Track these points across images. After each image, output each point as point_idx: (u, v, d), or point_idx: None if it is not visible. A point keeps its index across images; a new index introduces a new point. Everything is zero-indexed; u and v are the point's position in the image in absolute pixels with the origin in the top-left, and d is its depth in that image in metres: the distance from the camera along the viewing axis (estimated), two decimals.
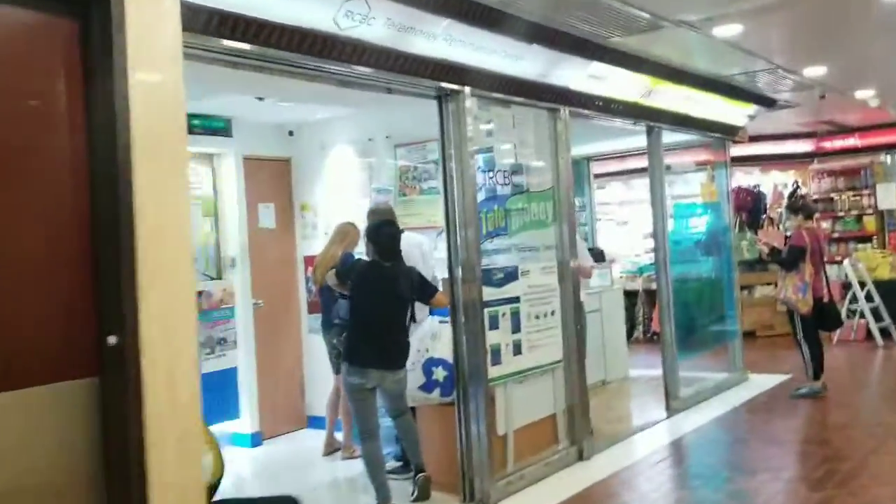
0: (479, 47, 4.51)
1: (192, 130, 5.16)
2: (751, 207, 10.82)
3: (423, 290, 4.67)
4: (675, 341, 6.90)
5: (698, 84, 6.86)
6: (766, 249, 7.18)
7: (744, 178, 12.58)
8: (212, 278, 6.18)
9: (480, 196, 4.86)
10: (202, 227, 6.14)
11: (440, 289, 4.83)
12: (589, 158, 9.01)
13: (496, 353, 4.78)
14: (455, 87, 4.52)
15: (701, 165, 8.64)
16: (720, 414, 6.61)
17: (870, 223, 11.09)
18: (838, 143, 12.45)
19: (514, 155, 5.17)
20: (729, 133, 8.03)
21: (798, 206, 7.22)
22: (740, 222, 10.96)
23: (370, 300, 4.49)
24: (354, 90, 4.26)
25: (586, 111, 5.75)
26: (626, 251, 11.57)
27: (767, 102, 8.16)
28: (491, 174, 4.99)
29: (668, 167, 10.23)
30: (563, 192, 5.48)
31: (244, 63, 3.55)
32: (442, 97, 4.59)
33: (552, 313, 5.29)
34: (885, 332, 9.55)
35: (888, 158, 11.78)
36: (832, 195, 11.57)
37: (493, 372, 4.73)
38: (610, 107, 5.97)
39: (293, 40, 3.52)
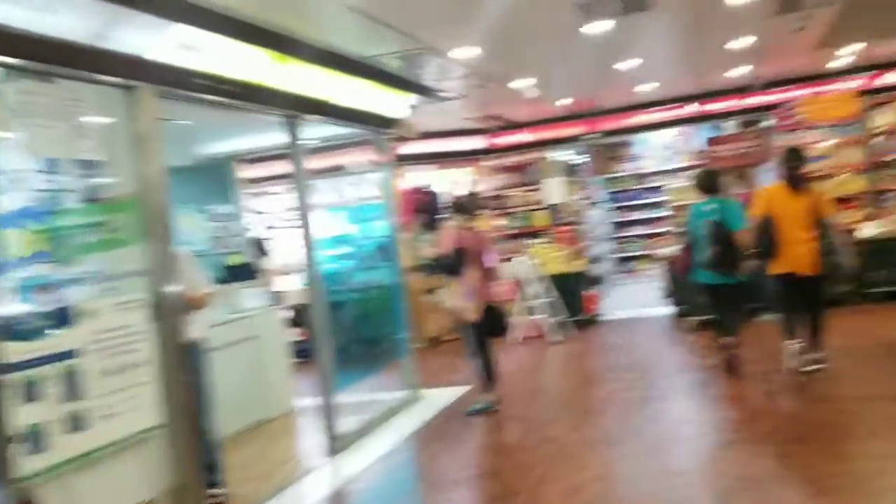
0: None
1: None
2: (427, 208, 10.26)
3: None
4: (334, 370, 5.86)
5: (339, 65, 5.86)
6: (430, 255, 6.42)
7: (423, 176, 12.15)
8: None
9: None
10: None
11: None
12: (233, 157, 7.62)
13: (35, 435, 3.29)
14: None
15: (377, 165, 7.75)
16: (388, 449, 5.70)
17: (540, 218, 11.11)
18: (510, 139, 12.52)
19: (64, 150, 3.66)
20: (388, 126, 7.17)
21: (459, 205, 6.54)
22: (420, 223, 10.38)
23: None
24: None
25: (183, 92, 4.41)
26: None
27: (426, 91, 7.45)
28: (22, 178, 3.45)
29: (343, 167, 9.28)
30: (154, 200, 4.09)
31: None
32: None
33: (139, 365, 3.90)
34: (560, 327, 9.49)
35: (552, 154, 12.01)
36: (505, 191, 11.46)
37: (31, 464, 3.23)
38: (220, 88, 4.69)
39: None
